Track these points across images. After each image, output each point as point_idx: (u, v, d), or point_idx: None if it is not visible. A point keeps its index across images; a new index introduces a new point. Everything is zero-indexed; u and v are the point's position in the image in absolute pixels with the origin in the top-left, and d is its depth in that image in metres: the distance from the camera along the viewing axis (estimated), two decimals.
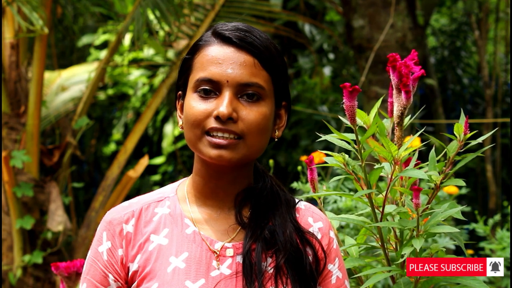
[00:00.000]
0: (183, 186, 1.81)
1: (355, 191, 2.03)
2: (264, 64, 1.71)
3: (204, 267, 1.70)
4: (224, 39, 1.72)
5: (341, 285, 1.78)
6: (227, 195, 1.76)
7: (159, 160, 8.50)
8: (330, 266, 1.77)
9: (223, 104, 1.67)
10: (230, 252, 1.72)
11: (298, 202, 1.81)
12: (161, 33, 7.61)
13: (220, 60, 1.70)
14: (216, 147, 1.68)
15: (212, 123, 1.68)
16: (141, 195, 1.83)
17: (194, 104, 1.70)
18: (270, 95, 1.73)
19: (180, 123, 1.77)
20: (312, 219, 1.80)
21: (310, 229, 1.78)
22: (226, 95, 1.68)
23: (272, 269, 1.70)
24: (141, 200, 1.80)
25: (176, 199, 1.79)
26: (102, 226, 1.77)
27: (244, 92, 1.70)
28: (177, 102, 1.80)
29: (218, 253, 1.72)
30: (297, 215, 1.78)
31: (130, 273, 1.73)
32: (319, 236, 1.77)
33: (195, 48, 1.75)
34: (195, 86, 1.71)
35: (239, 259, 1.71)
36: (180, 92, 1.79)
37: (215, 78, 1.69)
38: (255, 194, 1.77)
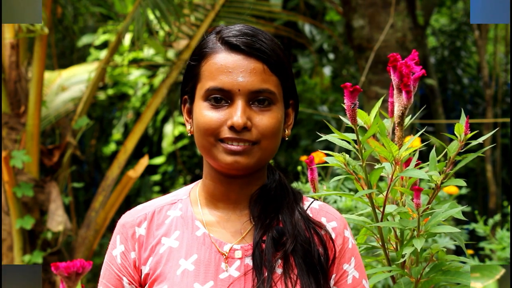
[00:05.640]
0: (196, 188, 1.81)
1: (355, 191, 2.03)
2: (273, 69, 1.71)
3: (213, 269, 1.70)
4: (232, 47, 1.70)
5: (358, 285, 1.76)
6: (240, 197, 1.76)
7: (159, 160, 8.49)
8: (345, 266, 1.75)
9: (237, 114, 1.67)
10: (238, 254, 1.72)
11: (313, 202, 1.80)
12: (161, 33, 7.61)
13: (230, 68, 1.69)
14: (231, 153, 1.68)
15: (226, 133, 1.67)
16: (156, 198, 1.84)
17: (206, 113, 1.69)
18: (280, 98, 1.72)
19: (189, 127, 1.76)
20: (326, 218, 1.78)
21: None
22: (239, 104, 1.67)
23: (282, 270, 1.69)
24: (155, 203, 1.80)
25: (189, 202, 1.79)
26: (116, 229, 1.78)
27: (256, 98, 1.69)
28: (182, 106, 1.79)
29: (226, 255, 1.71)
30: (311, 215, 1.77)
31: (142, 276, 1.74)
32: (333, 236, 1.76)
33: (202, 55, 1.73)
34: (205, 95, 1.70)
35: (247, 261, 1.71)
36: (185, 96, 1.78)
37: (226, 87, 1.68)
38: (266, 190, 1.77)
